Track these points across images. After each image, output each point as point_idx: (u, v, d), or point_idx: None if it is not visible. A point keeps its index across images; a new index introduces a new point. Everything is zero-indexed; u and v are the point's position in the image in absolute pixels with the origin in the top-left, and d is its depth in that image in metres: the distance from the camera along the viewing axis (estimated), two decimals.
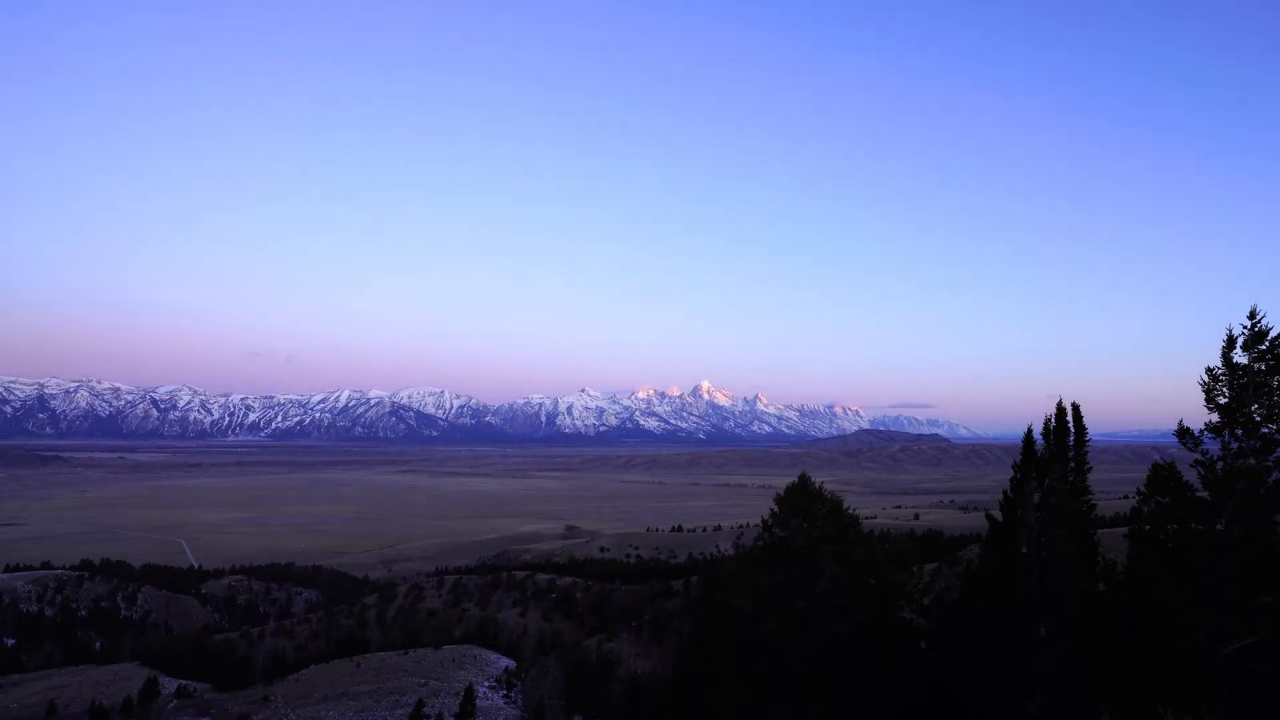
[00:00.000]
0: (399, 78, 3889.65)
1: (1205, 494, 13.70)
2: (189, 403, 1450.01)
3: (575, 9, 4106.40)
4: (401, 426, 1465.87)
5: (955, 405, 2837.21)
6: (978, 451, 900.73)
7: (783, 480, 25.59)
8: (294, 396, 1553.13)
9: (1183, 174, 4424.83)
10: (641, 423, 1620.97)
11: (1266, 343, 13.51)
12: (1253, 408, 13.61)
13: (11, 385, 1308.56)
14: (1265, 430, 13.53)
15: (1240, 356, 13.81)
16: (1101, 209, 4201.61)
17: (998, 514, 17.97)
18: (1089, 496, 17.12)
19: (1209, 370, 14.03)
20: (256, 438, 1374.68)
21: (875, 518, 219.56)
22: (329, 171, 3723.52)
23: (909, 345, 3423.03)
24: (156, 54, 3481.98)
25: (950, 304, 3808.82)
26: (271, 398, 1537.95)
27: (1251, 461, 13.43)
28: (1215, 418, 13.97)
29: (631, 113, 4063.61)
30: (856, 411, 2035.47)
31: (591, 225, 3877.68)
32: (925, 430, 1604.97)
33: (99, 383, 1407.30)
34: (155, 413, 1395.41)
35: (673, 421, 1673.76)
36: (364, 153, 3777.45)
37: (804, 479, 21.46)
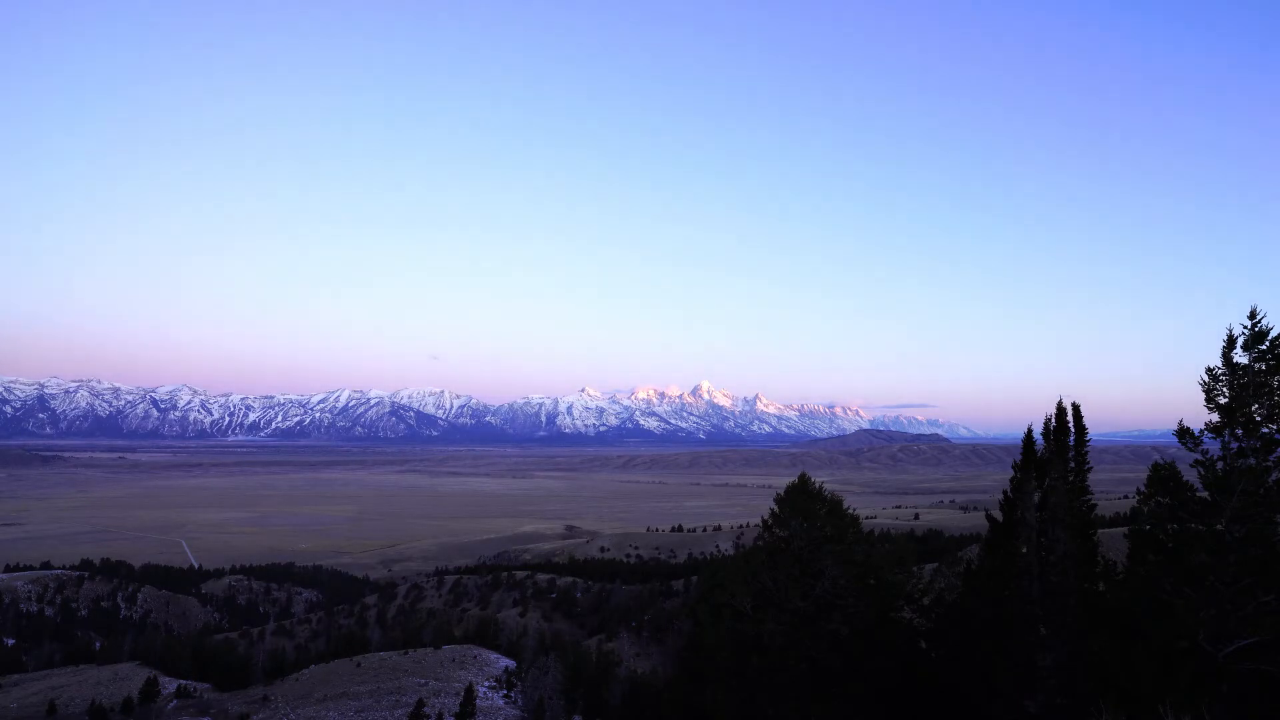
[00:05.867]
0: (400, 78, 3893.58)
1: (1205, 494, 13.69)
2: (189, 403, 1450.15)
3: (577, 9, 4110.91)
4: (401, 426, 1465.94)
5: (955, 405, 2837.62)
6: (978, 451, 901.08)
7: (783, 480, 25.60)
8: (294, 396, 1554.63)
9: (1183, 174, 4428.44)
10: (641, 423, 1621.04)
11: (1266, 343, 13.51)
12: (1253, 408, 13.61)
13: (11, 385, 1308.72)
14: (1265, 430, 13.53)
15: (1240, 356, 13.81)
16: (1101, 209, 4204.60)
17: (998, 514, 17.98)
18: (1089, 496, 17.14)
19: (1209, 370, 14.03)
20: (256, 438, 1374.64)
21: (875, 518, 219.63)
22: (329, 171, 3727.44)
23: (909, 345, 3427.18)
24: (155, 52, 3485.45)
25: (950, 304, 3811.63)
26: (271, 398, 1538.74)
27: (1251, 461, 13.43)
28: (1215, 418, 13.97)
29: (632, 112, 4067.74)
30: (856, 411, 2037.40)
31: (592, 225, 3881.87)
32: (925, 430, 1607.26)
33: (99, 383, 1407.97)
34: (155, 413, 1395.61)
35: (673, 421, 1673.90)
36: (364, 152, 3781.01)
37: (804, 479, 21.48)
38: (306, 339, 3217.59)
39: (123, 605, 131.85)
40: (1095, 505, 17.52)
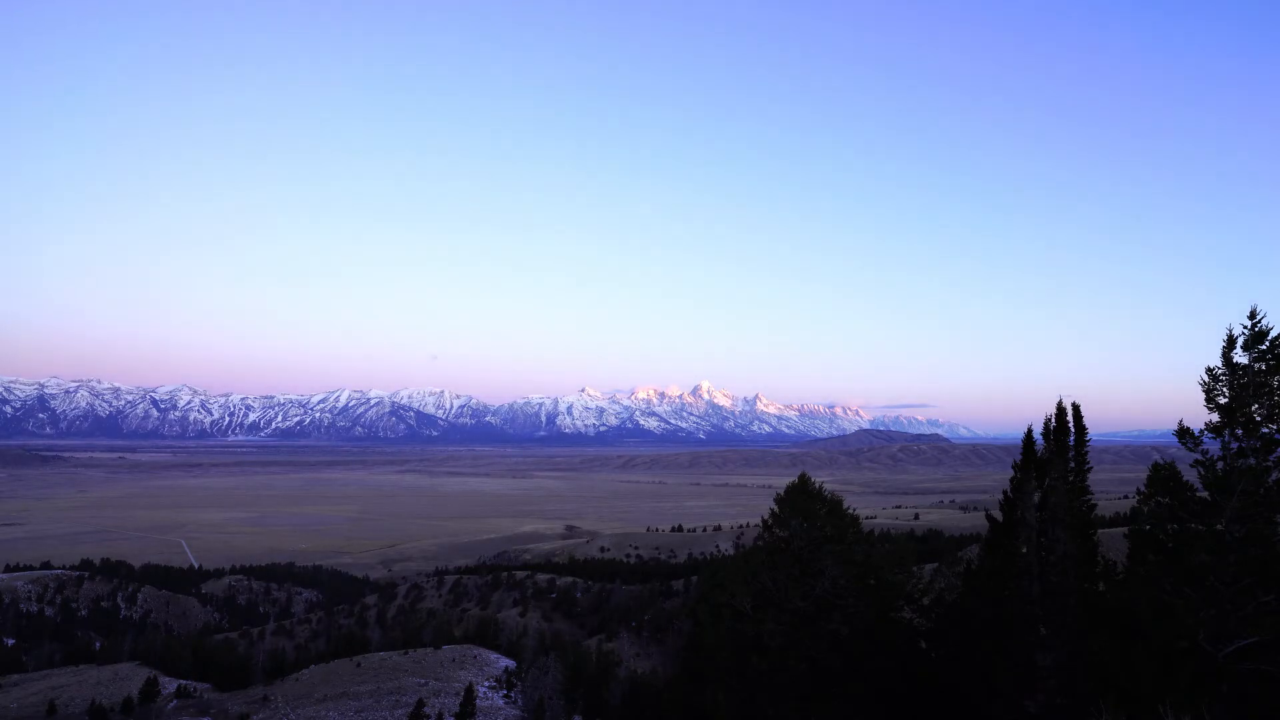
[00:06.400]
0: (398, 75, 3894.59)
1: (1205, 494, 13.69)
2: (189, 403, 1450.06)
3: (576, 6, 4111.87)
4: (401, 426, 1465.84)
5: (955, 405, 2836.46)
6: (978, 451, 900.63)
7: (783, 480, 25.61)
8: (294, 396, 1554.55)
9: (1183, 173, 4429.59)
10: (641, 423, 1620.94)
11: (1266, 343, 13.50)
12: (1253, 408, 13.60)
13: (11, 385, 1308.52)
14: (1265, 430, 13.52)
15: (1240, 356, 13.80)
16: (1101, 208, 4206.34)
17: (998, 514, 17.98)
18: (1089, 496, 17.13)
19: (1209, 370, 14.02)
20: (256, 438, 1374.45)
21: (875, 518, 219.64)
22: (329, 170, 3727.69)
23: (909, 345, 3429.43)
24: (154, 51, 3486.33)
25: (950, 304, 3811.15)
26: (271, 398, 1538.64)
27: (1251, 461, 13.42)
28: (1215, 418, 13.96)
29: (632, 111, 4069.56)
30: (856, 411, 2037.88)
31: (592, 225, 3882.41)
32: (925, 430, 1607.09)
33: (99, 383, 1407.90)
34: (155, 413, 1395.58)
35: (673, 421, 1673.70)
36: (365, 151, 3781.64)
37: (804, 479, 21.47)
38: (306, 339, 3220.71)
39: (123, 605, 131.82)
40: (1095, 505, 17.51)
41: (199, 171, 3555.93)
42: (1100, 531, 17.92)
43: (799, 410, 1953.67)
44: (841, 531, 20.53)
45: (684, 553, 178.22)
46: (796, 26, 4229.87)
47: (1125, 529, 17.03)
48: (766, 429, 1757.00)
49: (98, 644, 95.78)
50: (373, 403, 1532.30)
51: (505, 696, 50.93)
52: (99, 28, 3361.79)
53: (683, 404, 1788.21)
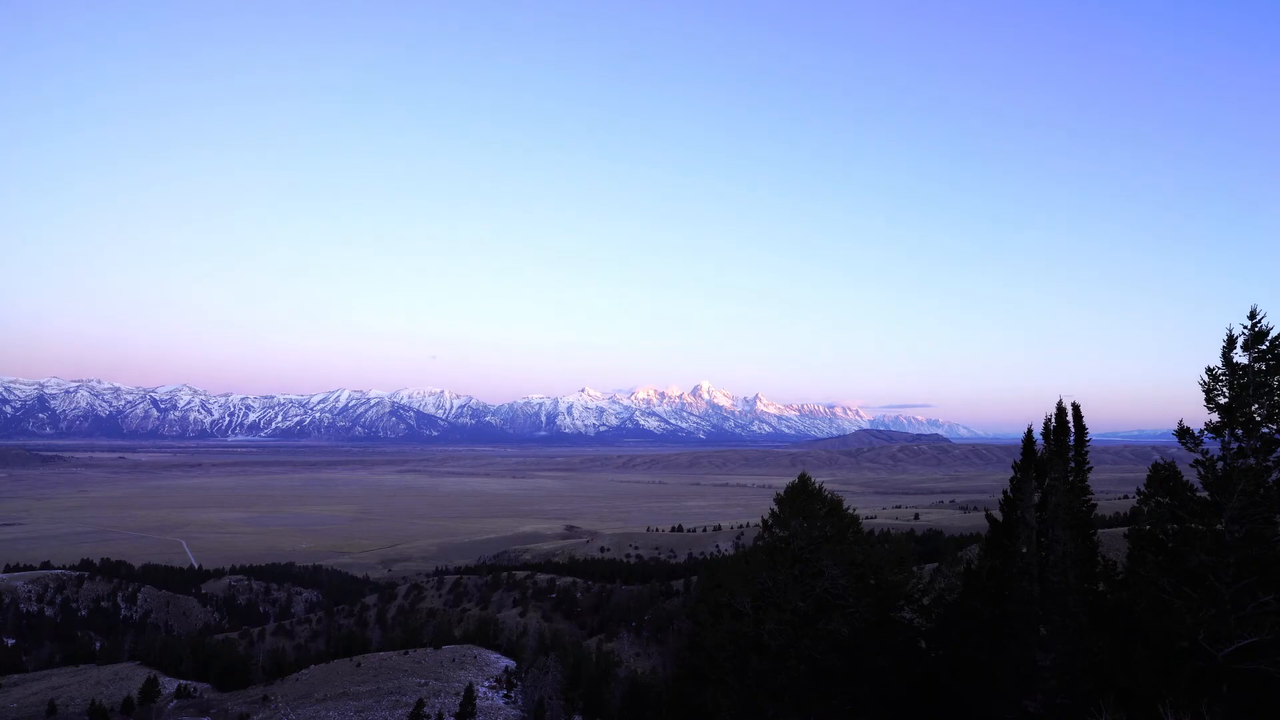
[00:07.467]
0: (397, 77, 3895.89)
1: (1205, 494, 13.68)
2: (189, 403, 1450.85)
3: (574, 7, 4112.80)
4: (401, 426, 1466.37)
5: (955, 405, 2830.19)
6: (978, 451, 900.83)
7: (783, 480, 25.61)
8: (294, 396, 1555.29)
9: (1183, 173, 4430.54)
10: (641, 423, 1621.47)
11: (1266, 343, 13.50)
12: (1253, 408, 13.60)
13: (11, 385, 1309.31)
14: (1265, 430, 13.52)
15: (1240, 356, 13.80)
16: (1101, 208, 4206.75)
17: (998, 514, 17.97)
18: (1089, 496, 17.11)
19: (1209, 370, 14.02)
20: (256, 438, 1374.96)
21: (875, 518, 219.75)
22: (328, 171, 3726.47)
23: (909, 345, 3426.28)
24: (155, 52, 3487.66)
25: (950, 304, 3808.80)
26: (271, 398, 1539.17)
27: (1251, 461, 13.42)
28: (1215, 418, 13.96)
29: (632, 112, 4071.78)
30: (856, 411, 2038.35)
31: (592, 225, 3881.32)
32: (925, 430, 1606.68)
33: (99, 383, 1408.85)
34: (155, 413, 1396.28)
35: (673, 421, 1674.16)
36: (363, 152, 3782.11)
37: (804, 479, 21.45)
38: (306, 339, 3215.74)
39: (123, 605, 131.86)
40: (1095, 505, 17.49)
41: (199, 171, 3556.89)
42: (1100, 531, 17.92)
43: (799, 410, 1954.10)
44: (841, 531, 20.53)
45: (684, 553, 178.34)
46: (797, 23, 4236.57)
47: (1125, 529, 17.03)
48: (766, 429, 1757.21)
49: (98, 644, 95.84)
50: (373, 403, 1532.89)
51: (505, 696, 50.94)
52: (99, 27, 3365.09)
53: (683, 404, 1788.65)
